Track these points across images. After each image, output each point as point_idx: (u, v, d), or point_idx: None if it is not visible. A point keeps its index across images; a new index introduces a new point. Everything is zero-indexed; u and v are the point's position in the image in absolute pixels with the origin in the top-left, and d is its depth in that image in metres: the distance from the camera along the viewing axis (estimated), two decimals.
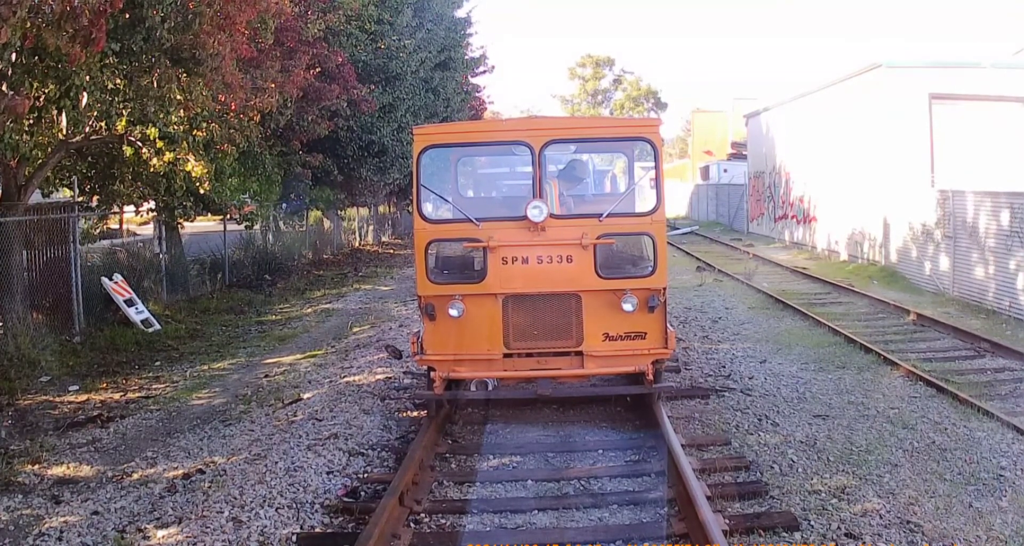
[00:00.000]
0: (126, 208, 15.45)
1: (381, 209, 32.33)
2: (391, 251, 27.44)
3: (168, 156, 11.38)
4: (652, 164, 7.09)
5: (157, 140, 10.72)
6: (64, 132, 9.99)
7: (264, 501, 5.54)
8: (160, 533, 5.20)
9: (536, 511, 5.46)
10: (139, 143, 10.98)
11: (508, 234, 6.66)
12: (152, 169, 11.77)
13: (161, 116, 10.17)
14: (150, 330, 12.05)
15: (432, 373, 6.85)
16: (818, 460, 6.17)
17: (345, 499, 5.67)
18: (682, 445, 6.25)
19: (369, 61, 19.72)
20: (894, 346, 10.22)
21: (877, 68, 20.12)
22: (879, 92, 19.93)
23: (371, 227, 29.93)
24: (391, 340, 10.76)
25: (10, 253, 10.31)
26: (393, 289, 17.42)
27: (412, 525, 5.28)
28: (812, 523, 5.09)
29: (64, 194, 14.55)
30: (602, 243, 6.68)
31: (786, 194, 27.62)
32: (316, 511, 5.47)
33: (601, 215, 6.72)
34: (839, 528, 5.01)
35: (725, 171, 44.35)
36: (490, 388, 7.13)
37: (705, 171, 49.15)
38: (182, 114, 10.59)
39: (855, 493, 5.50)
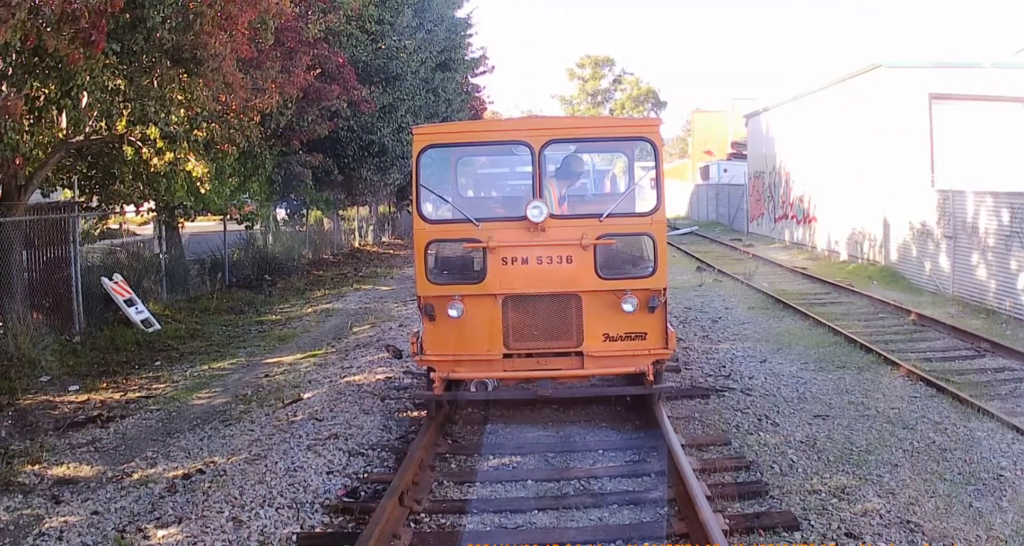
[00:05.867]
0: (126, 208, 15.44)
1: (381, 209, 32.34)
2: (391, 251, 27.44)
3: (168, 156, 11.37)
4: (652, 164, 7.08)
5: (157, 140, 10.72)
6: (64, 132, 10.00)
7: (264, 501, 5.54)
8: (160, 533, 5.20)
9: (536, 511, 5.47)
10: (139, 143, 10.98)
11: (508, 234, 6.65)
12: (152, 169, 11.77)
13: (162, 116, 10.16)
14: (150, 330, 12.05)
15: (432, 374, 6.85)
16: (818, 460, 6.17)
17: (345, 499, 5.67)
18: (682, 445, 6.25)
19: (369, 61, 19.72)
20: (894, 346, 10.22)
21: (877, 68, 20.12)
22: (879, 92, 19.93)
23: (371, 227, 29.94)
24: (391, 340, 10.76)
25: (10, 253, 10.31)
26: (393, 289, 17.42)
27: (412, 525, 5.28)
28: (812, 523, 5.09)
29: (64, 194, 14.55)
30: (602, 243, 6.67)
31: (786, 194, 27.62)
32: (316, 511, 5.47)
33: (601, 215, 6.71)
34: (839, 528, 5.01)
35: (725, 171, 44.35)
36: (490, 389, 7.13)
37: (705, 171, 49.16)
38: (182, 114, 10.59)
39: (855, 493, 5.51)
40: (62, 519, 5.51)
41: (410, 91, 21.70)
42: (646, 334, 6.75)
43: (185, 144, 11.03)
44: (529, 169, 6.78)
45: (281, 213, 24.56)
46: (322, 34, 16.29)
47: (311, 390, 8.64)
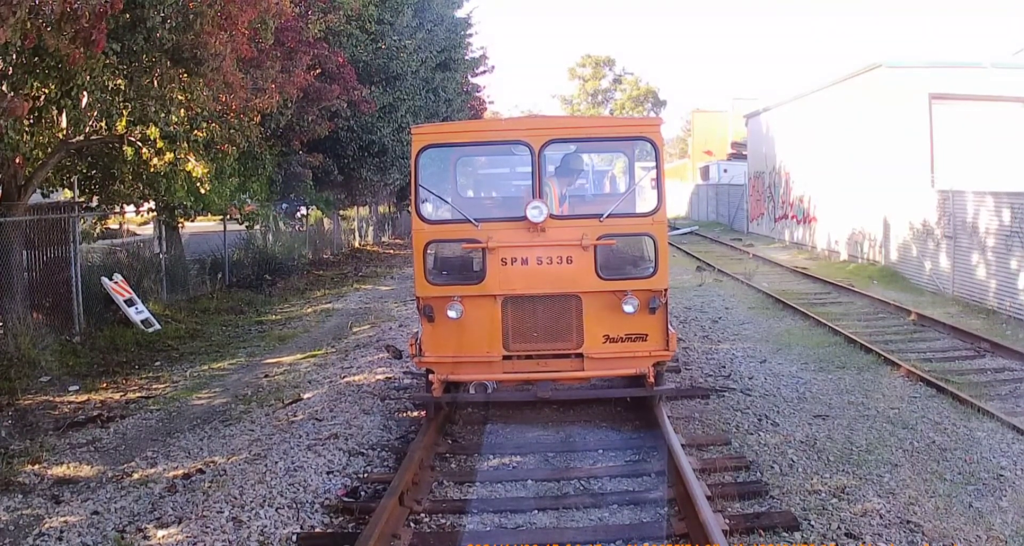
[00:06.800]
0: (126, 208, 15.44)
1: (381, 209, 32.34)
2: (391, 251, 27.44)
3: (168, 156, 11.38)
4: (653, 164, 7.05)
5: (157, 140, 10.72)
6: (64, 132, 10.00)
7: (264, 501, 5.54)
8: (160, 533, 5.20)
9: (536, 511, 5.47)
10: (139, 143, 10.99)
11: (507, 235, 6.61)
12: (152, 169, 11.77)
13: (162, 116, 10.16)
14: (150, 330, 12.05)
15: (430, 375, 6.82)
16: (818, 460, 6.17)
17: (345, 499, 5.67)
18: (682, 445, 6.25)
19: (370, 61, 19.72)
20: (894, 346, 10.21)
21: (877, 68, 20.13)
22: (879, 92, 19.93)
23: (371, 227, 29.94)
24: (391, 340, 10.76)
25: (10, 253, 10.31)
26: (393, 289, 17.42)
27: (412, 525, 5.28)
28: (812, 523, 5.09)
29: (64, 194, 14.55)
30: (602, 244, 6.64)
31: (786, 194, 27.62)
32: (316, 511, 5.47)
33: (601, 215, 6.67)
34: (839, 528, 5.01)
35: (725, 171, 44.36)
36: (489, 390, 7.12)
37: (705, 171, 49.16)
38: (182, 114, 10.59)
39: (855, 493, 5.51)
40: (62, 519, 5.51)
41: (410, 91, 21.70)
42: (647, 335, 6.72)
43: (185, 144, 11.03)
44: (529, 169, 6.75)
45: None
46: (322, 34, 16.29)
47: (311, 390, 8.64)
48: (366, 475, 6.11)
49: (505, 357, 6.74)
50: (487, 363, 6.76)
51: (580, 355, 6.73)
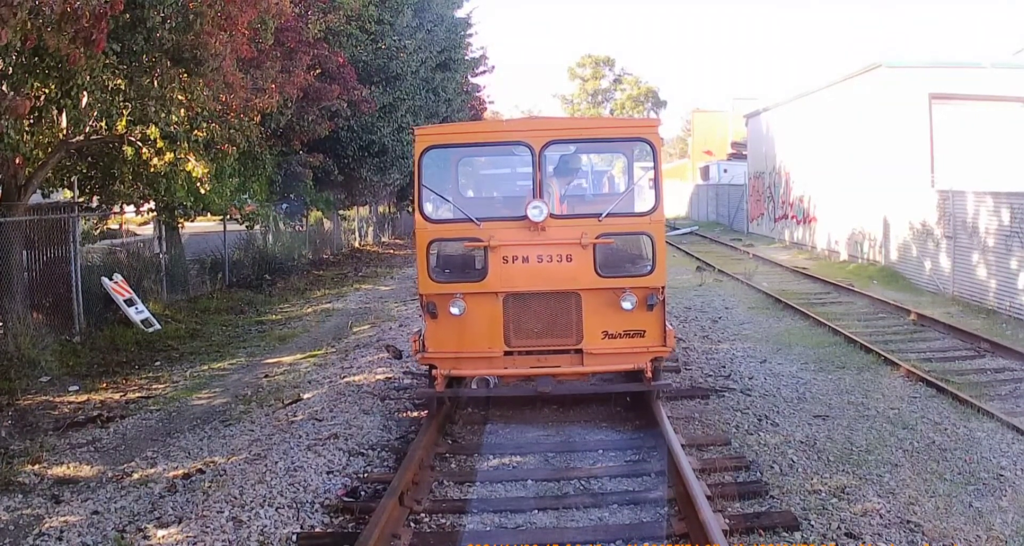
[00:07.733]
0: (126, 208, 15.43)
1: (381, 209, 32.35)
2: (391, 251, 27.45)
3: (169, 156, 11.37)
4: (651, 164, 7.12)
5: (157, 140, 10.71)
6: (65, 132, 9.99)
7: (264, 501, 5.54)
8: (160, 533, 5.20)
9: (536, 511, 5.47)
10: (139, 143, 10.98)
11: (508, 234, 6.70)
12: (152, 169, 11.76)
13: (162, 116, 10.16)
14: (150, 330, 12.05)
15: (433, 371, 6.89)
16: (818, 460, 6.17)
17: (345, 499, 5.67)
18: (682, 445, 6.25)
19: (369, 61, 19.73)
20: (894, 346, 10.21)
21: (877, 68, 20.13)
22: (879, 92, 19.93)
23: (371, 227, 29.95)
24: (391, 340, 10.76)
25: (10, 253, 10.30)
26: (393, 289, 17.42)
27: (412, 525, 5.28)
28: (812, 523, 5.09)
29: (64, 194, 14.55)
30: (601, 242, 6.72)
31: (786, 194, 27.62)
32: (316, 511, 5.47)
33: (600, 215, 6.77)
34: (839, 528, 5.01)
35: (725, 171, 44.35)
36: (491, 386, 7.17)
37: (705, 171, 49.15)
38: (183, 114, 10.59)
39: (855, 493, 5.51)
40: (62, 519, 5.51)
41: (410, 91, 21.72)
42: (645, 332, 6.81)
43: (185, 144, 11.02)
44: (529, 169, 6.82)
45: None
46: (322, 34, 16.30)
47: (311, 390, 8.64)
48: (366, 475, 6.11)
49: (506, 353, 6.84)
50: (489, 359, 6.86)
51: (580, 351, 6.82)
